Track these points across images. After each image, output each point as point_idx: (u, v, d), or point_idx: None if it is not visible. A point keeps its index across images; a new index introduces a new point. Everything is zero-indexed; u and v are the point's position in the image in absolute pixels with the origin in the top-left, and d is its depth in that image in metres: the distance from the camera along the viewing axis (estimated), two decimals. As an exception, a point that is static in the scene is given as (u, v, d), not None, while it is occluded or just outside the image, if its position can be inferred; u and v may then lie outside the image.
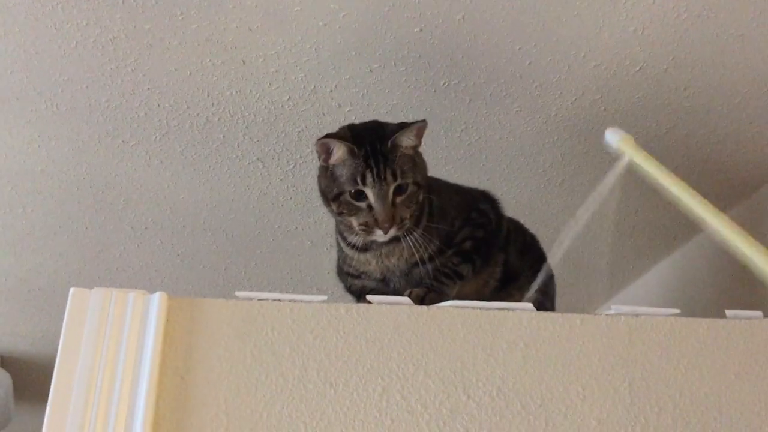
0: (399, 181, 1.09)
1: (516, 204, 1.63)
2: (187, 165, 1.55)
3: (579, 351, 0.97)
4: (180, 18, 1.20)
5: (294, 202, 1.67)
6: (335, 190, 1.11)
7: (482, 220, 1.21)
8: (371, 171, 1.08)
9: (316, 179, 1.18)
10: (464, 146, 1.50)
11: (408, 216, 1.10)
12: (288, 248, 1.83)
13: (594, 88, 1.36)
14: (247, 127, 1.45)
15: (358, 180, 1.08)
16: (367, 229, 1.09)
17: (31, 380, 2.45)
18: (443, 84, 1.34)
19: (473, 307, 0.99)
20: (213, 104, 1.39)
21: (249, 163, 1.55)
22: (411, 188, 1.10)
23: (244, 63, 1.30)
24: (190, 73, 1.32)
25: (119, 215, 1.73)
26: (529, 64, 1.30)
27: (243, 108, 1.40)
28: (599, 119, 1.42)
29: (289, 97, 1.37)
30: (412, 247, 1.12)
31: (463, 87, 1.35)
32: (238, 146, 1.50)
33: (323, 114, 1.40)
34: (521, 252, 1.28)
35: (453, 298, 1.08)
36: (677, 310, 1.01)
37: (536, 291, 1.25)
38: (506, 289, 1.23)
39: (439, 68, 1.31)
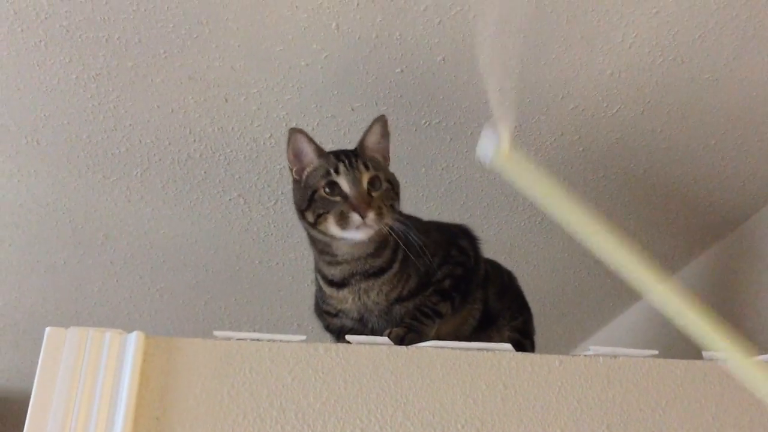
0: (372, 171, 1.10)
1: (496, 241, 1.64)
2: (168, 201, 1.55)
3: (558, 392, 0.98)
4: (163, 56, 1.21)
5: (275, 237, 1.66)
6: (309, 193, 1.10)
7: (462, 258, 1.21)
8: (343, 163, 1.09)
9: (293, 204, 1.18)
10: (445, 184, 1.51)
11: (385, 210, 1.08)
12: (269, 284, 1.82)
13: (572, 129, 1.38)
14: (228, 164, 1.45)
15: (331, 171, 1.09)
16: (343, 218, 1.06)
17: (7, 417, 2.40)
18: (424, 123, 1.36)
19: (453, 348, 0.99)
20: (195, 141, 1.39)
21: (230, 200, 1.55)
22: (385, 185, 1.11)
23: (226, 101, 1.30)
24: (173, 110, 1.32)
25: (98, 250, 1.71)
26: (508, 104, 1.31)
27: (225, 145, 1.40)
28: (578, 159, 1.44)
29: (271, 135, 1.38)
30: (391, 281, 1.12)
31: (443, 126, 1.36)
32: (220, 182, 1.50)
33: (304, 152, 1.41)
34: (500, 293, 1.28)
35: (432, 338, 1.08)
36: (655, 351, 1.02)
37: (516, 331, 1.25)
38: (485, 330, 1.22)
39: (420, 108, 1.32)
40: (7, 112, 1.33)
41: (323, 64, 1.23)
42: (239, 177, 1.48)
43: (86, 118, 1.33)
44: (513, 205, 1.57)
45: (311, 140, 1.13)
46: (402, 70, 1.25)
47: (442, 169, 1.47)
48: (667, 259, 1.72)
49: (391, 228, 1.08)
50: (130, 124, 1.35)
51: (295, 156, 1.14)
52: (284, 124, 1.35)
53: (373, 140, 1.14)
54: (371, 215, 1.05)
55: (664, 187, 1.53)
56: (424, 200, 1.53)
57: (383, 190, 1.10)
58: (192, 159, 1.44)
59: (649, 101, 1.31)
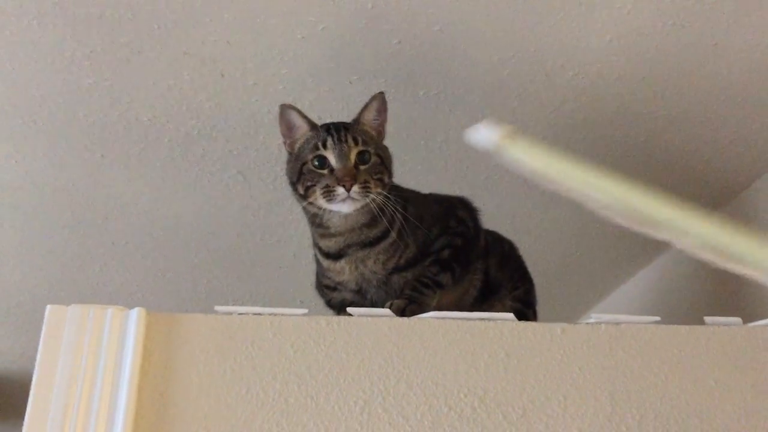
0: (360, 146, 1.11)
1: (498, 212, 1.63)
2: (167, 179, 1.54)
3: (560, 360, 0.98)
4: (157, 31, 1.20)
5: (275, 214, 1.66)
6: (299, 165, 1.13)
7: (460, 228, 1.21)
8: (332, 137, 1.11)
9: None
10: (444, 156, 1.50)
11: (372, 184, 1.10)
12: (270, 260, 1.82)
13: (572, 98, 1.37)
14: (227, 141, 1.44)
15: (319, 145, 1.11)
16: (329, 190, 1.08)
17: (12, 397, 2.41)
18: (422, 94, 1.35)
19: (454, 318, 0.99)
20: (192, 117, 1.38)
21: (229, 177, 1.54)
22: (374, 159, 1.12)
23: (222, 76, 1.29)
24: (169, 87, 1.31)
25: (99, 230, 1.71)
26: (508, 74, 1.30)
27: (222, 121, 1.39)
28: (578, 128, 1.43)
29: (269, 110, 1.37)
30: (387, 251, 1.12)
31: (442, 97, 1.35)
32: (219, 159, 1.49)
33: (303, 126, 1.40)
34: (500, 263, 1.28)
35: (433, 309, 1.08)
36: (657, 318, 1.02)
37: (517, 301, 1.25)
38: (487, 301, 1.22)
39: (418, 79, 1.31)
40: (2, 93, 1.32)
41: (319, 36, 1.22)
42: (238, 153, 1.47)
43: (82, 96, 1.32)
44: (514, 175, 1.56)
45: (302, 114, 1.16)
46: (399, 42, 1.23)
47: (442, 141, 1.46)
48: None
49: (375, 201, 1.10)
50: (127, 102, 1.34)
51: (288, 130, 1.17)
52: (282, 99, 1.33)
53: (369, 116, 1.16)
54: (356, 188, 1.08)
55: (664, 155, 1.52)
56: (424, 173, 1.53)
57: (371, 164, 1.12)
58: (190, 136, 1.43)
59: (649, 68, 1.30)
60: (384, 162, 1.14)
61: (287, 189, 1.55)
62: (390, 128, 1.30)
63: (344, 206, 1.09)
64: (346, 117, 1.37)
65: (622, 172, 1.54)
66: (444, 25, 1.21)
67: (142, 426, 0.89)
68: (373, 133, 1.16)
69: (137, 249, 1.79)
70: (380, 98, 1.16)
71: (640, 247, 1.80)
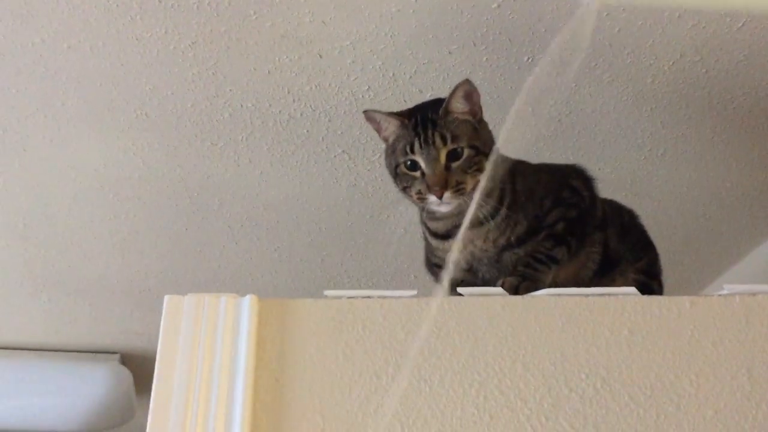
0: (449, 145, 1.06)
1: (615, 181, 1.55)
2: (275, 162, 1.56)
3: (690, 336, 0.91)
4: (254, 17, 1.20)
5: (383, 191, 1.65)
6: (393, 165, 1.11)
7: (575, 199, 1.15)
8: (419, 138, 1.07)
9: None
10: (554, 123, 1.43)
11: (467, 182, 1.05)
12: (381, 238, 1.82)
13: (693, 50, 1.26)
14: (329, 121, 1.44)
15: (407, 149, 1.07)
16: (422, 197, 1.06)
17: (151, 376, 2.55)
18: (527, 60, 1.28)
19: (571, 294, 0.94)
20: (294, 100, 1.39)
21: (335, 156, 1.54)
22: (467, 152, 1.06)
23: (320, 56, 1.28)
24: (269, 72, 1.32)
25: (215, 216, 1.76)
26: (619, 30, 1.22)
27: (324, 102, 1.39)
28: (700, 83, 1.33)
29: (369, 87, 1.35)
30: (498, 228, 1.08)
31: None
32: (323, 140, 1.50)
33: (404, 101, 1.37)
34: (620, 234, 1.20)
35: (549, 286, 1.03)
36: (799, 285, 0.93)
37: (640, 273, 1.18)
38: (608, 275, 1.16)
39: (521, 44, 1.25)
40: (114, 89, 1.37)
41: (415, 7, 1.18)
42: (341, 133, 1.47)
43: (188, 87, 1.36)
44: (631, 138, 1.47)
45: (386, 114, 1.12)
46: (499, 5, 1.18)
47: (550, 107, 1.39)
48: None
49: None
50: (230, 90, 1.36)
51: (378, 129, 1.14)
52: (381, 75, 1.32)
53: (457, 106, 1.09)
54: (447, 195, 1.04)
55: (802, 106, 1.38)
56: (534, 141, 1.46)
57: (464, 159, 1.06)
58: (293, 119, 1.44)
59: (780, 9, 1.18)
60: (480, 149, 1.07)
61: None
62: (494, 98, 1.26)
63: (441, 208, 1.07)
64: (448, 89, 1.33)
65: (749, 131, 1.43)
66: (547, -17, 1.14)
67: (259, 410, 0.90)
68: (466, 118, 1.09)
69: (253, 231, 1.83)
70: (464, 86, 1.08)
71: (776, 206, 1.66)
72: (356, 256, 1.91)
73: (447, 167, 1.05)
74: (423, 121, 1.08)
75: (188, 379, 0.92)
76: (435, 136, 1.06)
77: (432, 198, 1.05)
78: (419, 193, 1.07)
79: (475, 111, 1.10)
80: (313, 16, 1.20)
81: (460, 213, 1.08)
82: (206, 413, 0.90)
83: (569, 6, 1.18)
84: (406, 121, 1.10)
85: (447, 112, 1.08)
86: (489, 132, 1.12)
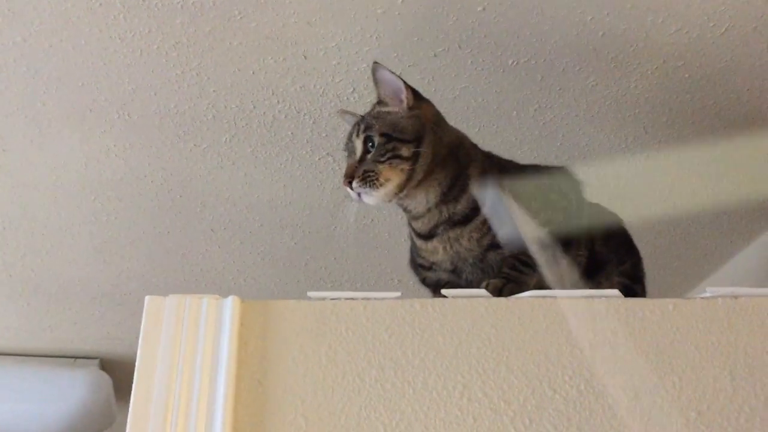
0: (363, 133, 1.07)
1: (599, 184, 1.55)
2: (259, 164, 1.56)
3: (673, 339, 0.91)
4: (238, 18, 1.20)
5: (368, 194, 1.64)
6: None
7: (562, 202, 1.15)
8: (349, 134, 1.10)
9: None
10: (539, 126, 1.43)
11: (380, 171, 1.04)
12: (365, 241, 1.81)
13: (676, 55, 1.27)
14: (314, 123, 1.43)
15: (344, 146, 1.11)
16: (347, 192, 1.07)
17: (131, 381, 2.53)
18: (512, 63, 1.29)
19: (555, 297, 0.94)
20: (278, 102, 1.38)
21: (319, 158, 1.54)
22: (378, 140, 1.05)
23: (305, 58, 1.28)
24: (253, 72, 1.31)
25: (198, 218, 1.75)
26: (603, 35, 1.23)
27: (309, 103, 1.39)
28: (683, 87, 1.34)
29: (354, 89, 1.35)
30: (481, 228, 1.08)
31: (533, 64, 1.29)
32: (308, 142, 1.49)
33: (389, 104, 1.37)
34: (605, 238, 1.20)
35: (533, 288, 1.03)
36: (781, 289, 0.93)
37: (624, 276, 1.18)
38: (593, 278, 1.16)
39: (506, 47, 1.25)
40: (96, 89, 1.35)
41: (400, 9, 1.18)
42: (326, 135, 1.47)
43: (171, 87, 1.35)
44: (614, 142, 1.48)
45: (352, 113, 1.14)
46: (484, 8, 1.18)
47: (535, 110, 1.40)
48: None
49: (437, 177, 1.07)
50: (214, 91, 1.35)
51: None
52: (366, 77, 1.31)
53: (381, 92, 1.09)
54: (355, 183, 1.04)
55: (785, 110, 1.40)
56: (518, 144, 1.47)
57: (376, 147, 1.05)
58: (278, 121, 1.43)
59: (762, 15, 1.19)
60: (394, 137, 1.06)
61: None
62: (479, 101, 1.26)
63: (367, 200, 1.06)
64: (434, 91, 1.34)
65: (733, 134, 1.44)
66: (531, -14, 1.14)
67: (241, 413, 0.89)
68: (392, 109, 1.08)
69: (236, 234, 1.82)
70: (374, 69, 1.08)
71: (756, 215, 1.68)
72: (340, 259, 1.91)
73: (362, 159, 1.06)
74: (361, 118, 1.11)
75: (169, 380, 0.90)
76: (354, 129, 1.08)
77: (349, 191, 1.05)
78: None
79: (401, 98, 1.08)
80: (297, 17, 1.20)
81: (429, 210, 1.08)
82: (187, 415, 0.89)
83: (553, 10, 1.18)
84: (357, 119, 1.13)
85: (378, 102, 1.10)
86: (425, 119, 1.10)
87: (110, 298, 2.11)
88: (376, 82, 1.09)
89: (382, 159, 1.05)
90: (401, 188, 1.05)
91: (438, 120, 1.12)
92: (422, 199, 1.08)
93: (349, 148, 1.08)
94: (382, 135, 1.06)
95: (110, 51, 1.26)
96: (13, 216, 1.72)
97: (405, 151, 1.05)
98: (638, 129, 1.45)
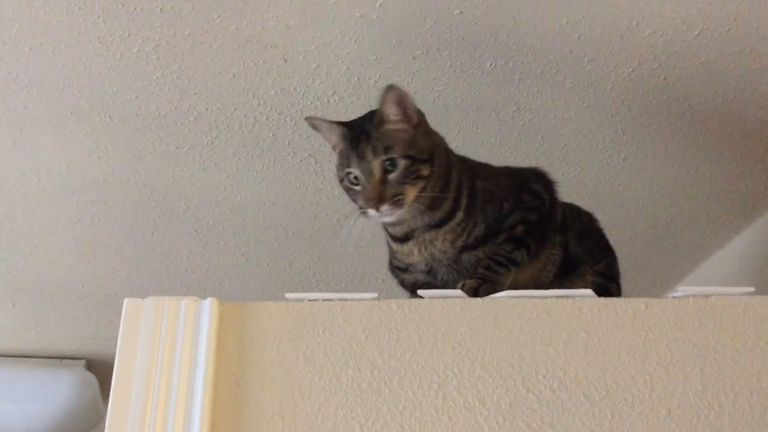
0: (382, 156, 1.05)
1: (578, 185, 1.57)
2: (241, 166, 1.56)
3: (645, 337, 0.93)
4: (218, 21, 1.20)
5: (350, 195, 1.65)
6: (339, 179, 1.11)
7: (535, 202, 1.16)
8: (356, 151, 1.07)
9: None
10: (518, 128, 1.45)
11: (406, 192, 1.05)
12: (347, 242, 1.82)
13: (651, 57, 1.29)
14: (295, 125, 1.44)
15: (346, 163, 1.08)
16: (363, 210, 1.06)
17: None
18: (490, 66, 1.30)
19: (530, 297, 0.95)
20: (259, 104, 1.39)
21: (301, 160, 1.55)
22: (403, 163, 1.05)
23: (285, 61, 1.29)
24: (234, 75, 1.32)
25: (181, 219, 1.75)
26: (579, 37, 1.24)
27: (289, 105, 1.39)
28: (659, 89, 1.35)
29: (334, 92, 1.35)
30: (455, 229, 1.09)
31: (510, 67, 1.30)
32: (289, 144, 1.50)
33: (369, 106, 1.36)
34: (580, 238, 1.22)
35: (509, 288, 1.04)
36: (751, 288, 0.95)
37: (599, 275, 1.20)
38: (568, 277, 1.17)
39: (484, 50, 1.26)
40: (78, 91, 1.36)
41: (378, 12, 1.19)
42: (307, 137, 1.47)
43: (152, 90, 1.35)
44: (592, 143, 1.50)
45: (327, 121, 1.12)
46: (461, 12, 1.19)
47: (513, 111, 1.41)
48: (759, 197, 1.61)
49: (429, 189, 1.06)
50: (195, 93, 1.36)
51: (325, 137, 1.14)
52: (346, 80, 1.32)
53: (389, 112, 1.08)
54: (385, 207, 1.04)
55: (757, 114, 1.41)
56: (497, 146, 1.48)
57: (400, 170, 1.05)
58: (259, 123, 1.44)
59: (735, 18, 1.21)
60: (417, 158, 1.06)
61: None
62: (458, 103, 1.27)
63: (385, 219, 1.07)
64: (414, 93, 1.34)
65: (708, 136, 1.46)
66: (507, -10, 1.16)
67: (219, 413, 0.90)
68: (401, 126, 1.08)
69: (220, 235, 1.82)
70: (392, 91, 1.07)
71: (732, 214, 1.69)
72: (323, 260, 1.91)
73: (383, 180, 1.05)
74: (359, 133, 1.08)
75: (147, 381, 0.91)
76: (368, 148, 1.05)
77: (371, 212, 1.05)
78: (361, 207, 1.06)
79: (410, 116, 1.08)
80: (277, 21, 1.20)
81: (413, 218, 1.08)
82: (165, 416, 0.89)
83: (530, 13, 1.19)
84: (347, 132, 1.10)
85: (381, 122, 1.07)
86: (431, 136, 1.12)
87: (95, 298, 2.11)
88: (385, 101, 1.07)
89: (407, 181, 1.05)
90: (413, 203, 1.07)
91: (430, 130, 1.13)
92: (413, 209, 1.08)
93: (363, 168, 1.05)
94: (405, 157, 1.05)
95: (90, 54, 1.27)
96: (-4, 218, 1.72)
97: (425, 171, 1.07)
98: (616, 130, 1.46)
